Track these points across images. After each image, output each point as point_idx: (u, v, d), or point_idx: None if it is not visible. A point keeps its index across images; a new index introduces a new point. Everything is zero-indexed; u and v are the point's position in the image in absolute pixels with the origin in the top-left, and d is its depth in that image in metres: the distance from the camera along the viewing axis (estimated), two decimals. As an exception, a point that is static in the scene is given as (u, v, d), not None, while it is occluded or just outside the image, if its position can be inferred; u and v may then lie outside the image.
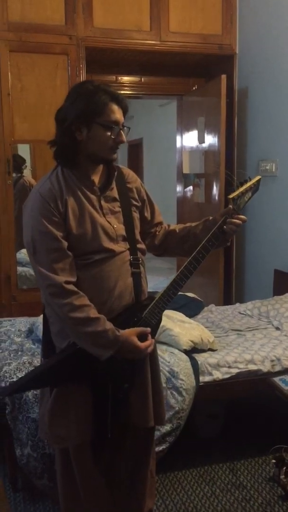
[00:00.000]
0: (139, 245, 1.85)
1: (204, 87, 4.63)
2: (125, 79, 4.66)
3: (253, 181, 1.82)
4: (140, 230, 1.90)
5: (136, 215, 1.87)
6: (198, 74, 4.75)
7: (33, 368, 2.34)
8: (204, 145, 4.52)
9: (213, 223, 1.84)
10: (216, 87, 4.20)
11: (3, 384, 2.31)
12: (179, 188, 5.17)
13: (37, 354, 2.57)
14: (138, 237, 1.86)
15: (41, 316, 2.86)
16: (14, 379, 2.31)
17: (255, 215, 4.23)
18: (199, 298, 3.58)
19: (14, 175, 3.87)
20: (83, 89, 1.70)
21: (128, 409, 1.86)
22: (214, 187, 4.35)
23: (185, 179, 5.00)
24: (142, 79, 4.71)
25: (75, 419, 1.78)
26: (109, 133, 1.70)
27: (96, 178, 1.78)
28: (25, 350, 2.64)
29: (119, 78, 4.63)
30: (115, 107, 1.69)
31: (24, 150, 4.06)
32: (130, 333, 1.72)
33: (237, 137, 4.42)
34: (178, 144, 5.16)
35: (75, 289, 1.67)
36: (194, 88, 4.80)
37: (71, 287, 1.66)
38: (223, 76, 4.12)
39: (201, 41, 4.15)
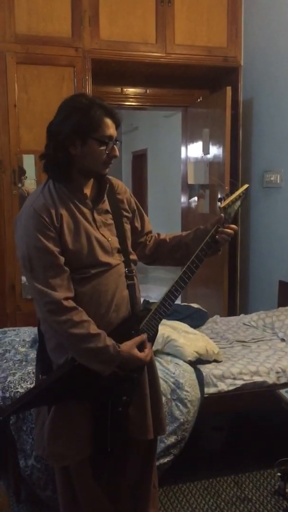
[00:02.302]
0: (132, 257, 1.84)
1: (209, 98, 4.65)
2: (131, 90, 4.70)
3: (242, 189, 1.84)
4: (131, 240, 1.90)
5: (127, 226, 1.87)
6: (203, 86, 4.78)
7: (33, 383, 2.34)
8: (209, 156, 4.53)
9: (204, 233, 1.83)
10: (221, 98, 4.23)
11: (7, 395, 2.30)
12: (183, 199, 5.18)
13: (41, 365, 2.56)
14: (130, 248, 1.85)
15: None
16: (19, 389, 2.30)
17: (260, 226, 4.23)
18: (203, 309, 3.58)
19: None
20: (77, 103, 1.68)
21: (127, 422, 1.84)
22: (219, 198, 4.36)
23: (189, 190, 5.02)
24: (148, 90, 4.74)
25: (75, 435, 1.75)
26: (103, 148, 1.68)
27: (87, 191, 1.77)
28: (29, 360, 2.63)
29: (125, 89, 4.66)
30: (109, 122, 1.68)
31: (29, 161, 4.08)
32: (130, 346, 1.71)
33: (241, 148, 4.43)
34: (183, 155, 5.17)
35: (74, 304, 1.66)
36: (199, 100, 4.82)
37: (69, 303, 1.65)
38: (228, 88, 4.14)
39: (206, 54, 4.18)
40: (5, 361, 2.63)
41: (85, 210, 1.73)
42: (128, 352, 1.69)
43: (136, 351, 1.72)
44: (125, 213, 1.86)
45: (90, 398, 1.76)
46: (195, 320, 3.32)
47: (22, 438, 2.28)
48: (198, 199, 4.83)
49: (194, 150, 4.86)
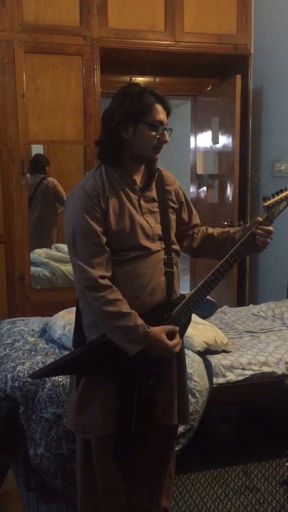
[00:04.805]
0: (173, 246, 1.89)
1: (218, 87, 4.61)
2: (139, 79, 4.65)
3: None
4: (178, 231, 1.95)
5: (172, 216, 1.91)
6: (213, 75, 4.73)
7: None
8: (218, 145, 4.50)
9: (248, 230, 1.87)
10: (230, 87, 4.18)
11: (16, 384, 2.32)
12: (193, 189, 5.15)
13: (50, 354, 2.58)
14: (173, 238, 1.90)
15: (55, 316, 2.89)
16: (28, 379, 2.32)
17: (270, 216, 4.19)
18: (212, 299, 3.57)
19: (28, 175, 3.88)
20: (129, 91, 1.77)
21: (153, 406, 1.88)
22: (228, 188, 4.33)
23: (199, 180, 4.99)
24: (156, 79, 4.70)
25: (100, 411, 1.80)
26: (154, 133, 1.76)
27: (137, 178, 1.84)
28: (38, 350, 2.65)
29: (133, 78, 4.62)
30: (160, 108, 1.77)
31: (38, 151, 4.07)
32: (159, 331, 1.75)
33: (251, 137, 4.39)
34: (192, 145, 5.14)
35: (110, 283, 1.72)
36: (208, 89, 4.78)
37: (106, 281, 1.71)
38: (238, 76, 4.10)
39: (216, 41, 4.13)
40: (14, 350, 2.64)
41: (133, 196, 1.80)
42: (157, 335, 1.73)
43: (164, 337, 1.75)
44: (171, 204, 1.92)
45: (117, 376, 1.80)
46: (204, 310, 3.31)
47: (32, 427, 2.29)
48: (207, 189, 4.81)
49: (203, 140, 4.83)
